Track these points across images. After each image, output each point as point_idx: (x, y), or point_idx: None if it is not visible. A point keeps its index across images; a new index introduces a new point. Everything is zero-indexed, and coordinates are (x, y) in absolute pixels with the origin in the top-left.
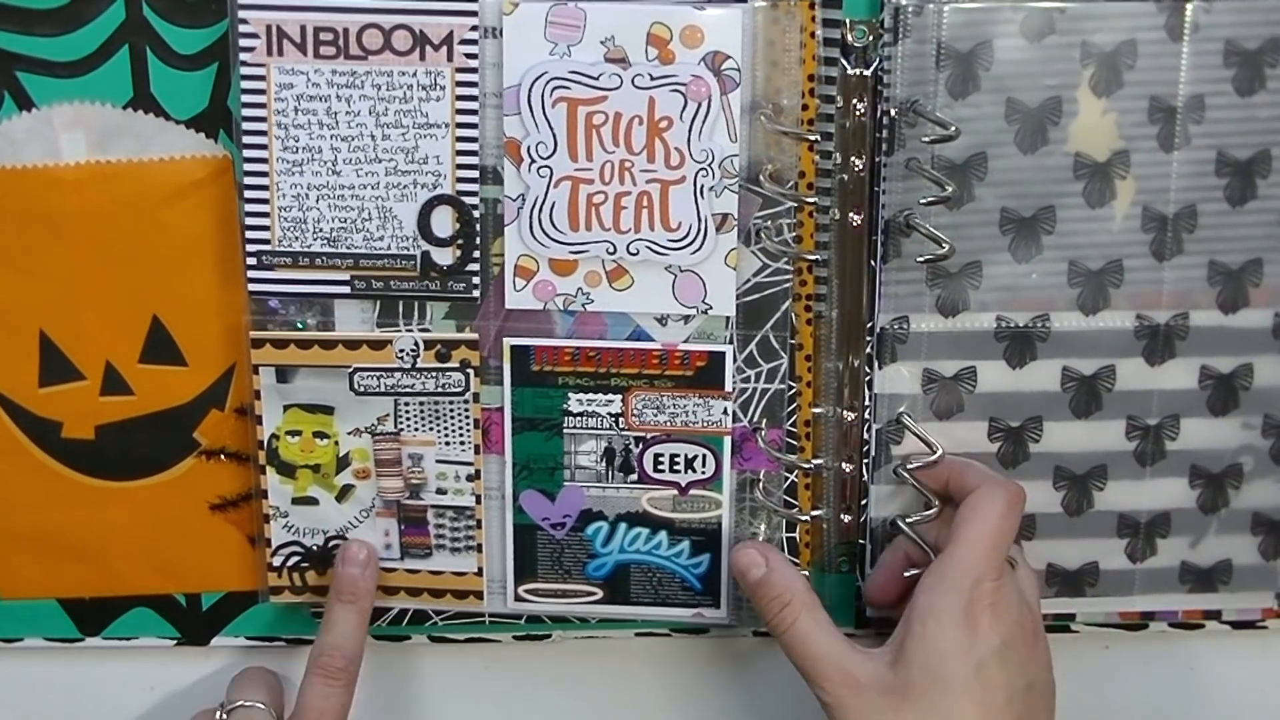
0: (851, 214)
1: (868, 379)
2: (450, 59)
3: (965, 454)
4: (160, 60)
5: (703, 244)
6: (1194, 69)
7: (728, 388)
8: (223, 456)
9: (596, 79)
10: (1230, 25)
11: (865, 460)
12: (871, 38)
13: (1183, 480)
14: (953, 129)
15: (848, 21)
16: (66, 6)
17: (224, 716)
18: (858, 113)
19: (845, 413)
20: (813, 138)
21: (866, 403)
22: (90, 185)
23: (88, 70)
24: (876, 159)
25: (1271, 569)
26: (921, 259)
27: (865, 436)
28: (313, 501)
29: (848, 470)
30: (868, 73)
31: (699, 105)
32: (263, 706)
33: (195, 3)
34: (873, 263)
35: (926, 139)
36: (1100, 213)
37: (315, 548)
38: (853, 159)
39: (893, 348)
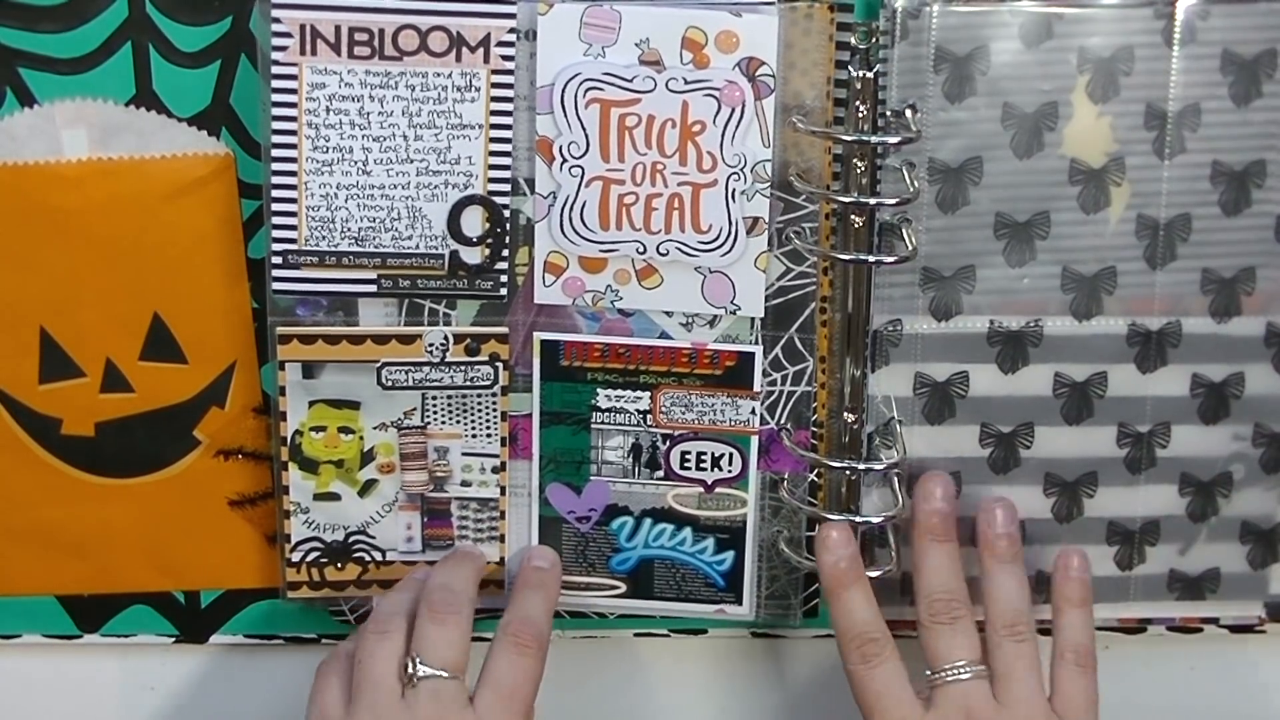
0: (853, 216)
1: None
2: (486, 61)
3: (956, 459)
4: (163, 57)
5: (733, 246)
6: (1190, 76)
7: (756, 388)
8: (240, 456)
9: (630, 81)
10: (1227, 34)
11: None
12: (872, 40)
13: (1173, 488)
14: (915, 132)
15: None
16: (69, 3)
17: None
18: (859, 115)
19: (846, 414)
20: (850, 139)
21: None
22: (91, 182)
23: (90, 67)
24: (876, 161)
25: (1260, 578)
26: (889, 259)
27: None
28: (334, 497)
29: (848, 472)
30: (869, 74)
31: (733, 110)
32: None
33: (198, 0)
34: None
35: (892, 141)
36: (1094, 218)
37: (335, 543)
38: (855, 161)
39: (885, 350)
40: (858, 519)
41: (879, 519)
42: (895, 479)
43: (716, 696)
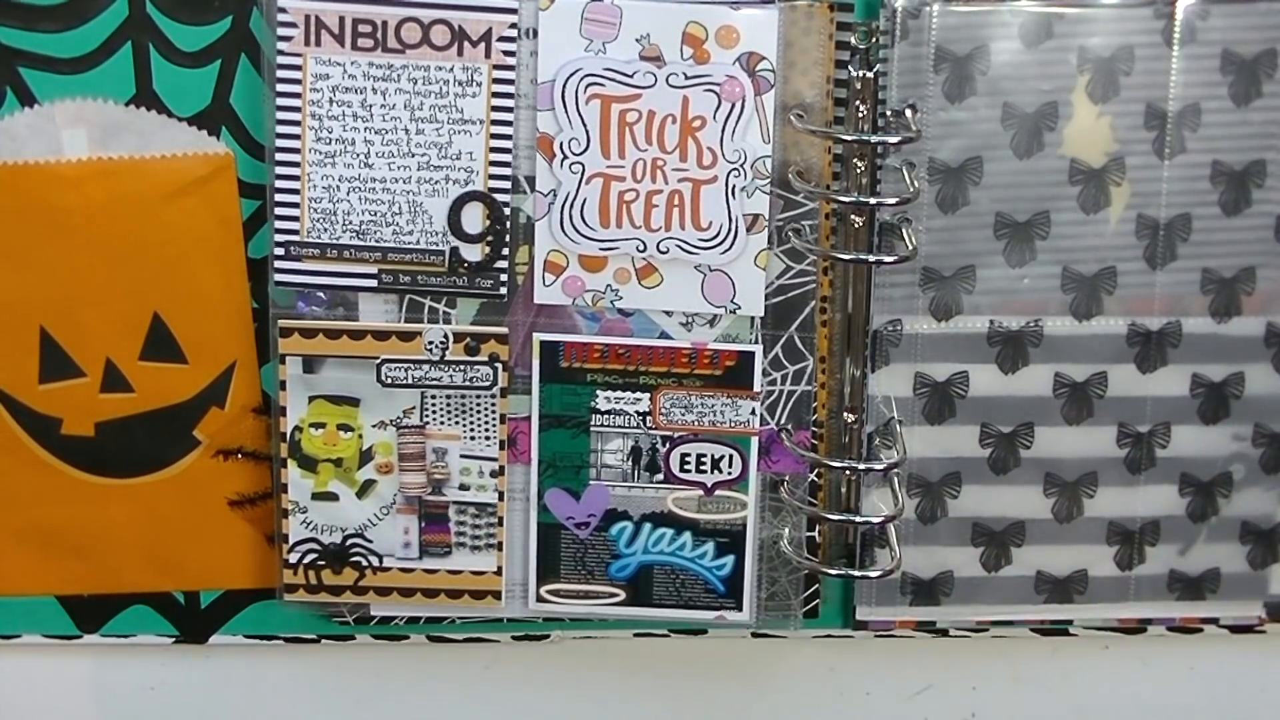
0: (853, 216)
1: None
2: (488, 55)
3: (956, 459)
4: (163, 57)
5: (733, 244)
6: (1190, 76)
7: (756, 388)
8: (240, 456)
9: (631, 77)
10: (1227, 34)
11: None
12: (872, 40)
13: (1173, 488)
14: (915, 132)
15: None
16: (69, 3)
17: None
18: (859, 115)
19: (846, 414)
20: (850, 138)
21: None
22: (91, 182)
23: (90, 67)
24: (876, 161)
25: (1260, 578)
26: (889, 259)
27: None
28: (333, 497)
29: (848, 472)
30: (869, 74)
31: (733, 105)
32: None
33: (198, 0)
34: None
35: (892, 141)
36: (1094, 218)
37: (333, 545)
38: (855, 161)
39: (885, 350)
40: (858, 519)
41: (879, 519)
42: (895, 479)
43: (716, 696)
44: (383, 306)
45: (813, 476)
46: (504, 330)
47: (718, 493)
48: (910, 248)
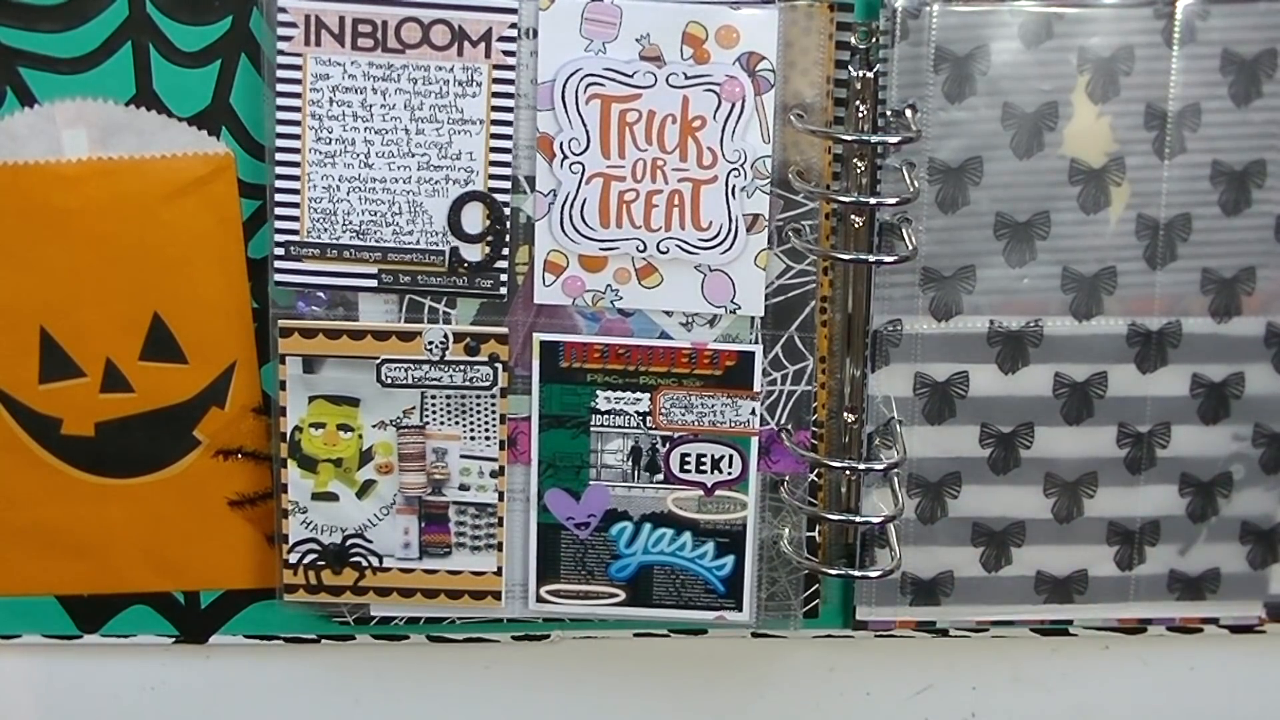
0: (853, 215)
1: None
2: (488, 55)
3: (956, 459)
4: (163, 57)
5: (733, 244)
6: (1190, 76)
7: (756, 388)
8: (240, 456)
9: (631, 77)
10: (1227, 34)
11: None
12: (872, 40)
13: (1173, 488)
14: (915, 132)
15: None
16: (69, 3)
17: None
18: (859, 115)
19: (846, 414)
20: (850, 138)
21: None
22: (92, 182)
23: (90, 67)
24: (876, 161)
25: (1260, 578)
26: (889, 259)
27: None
28: (333, 498)
29: (848, 472)
30: (869, 74)
31: (733, 105)
32: None
33: (198, 0)
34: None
35: (892, 141)
36: (1094, 218)
37: (332, 546)
38: (855, 160)
39: (885, 350)
40: (858, 519)
41: (879, 519)
42: (895, 479)
43: (716, 697)
44: (383, 306)
45: (813, 476)
46: (504, 330)
47: (718, 493)
48: (910, 248)
